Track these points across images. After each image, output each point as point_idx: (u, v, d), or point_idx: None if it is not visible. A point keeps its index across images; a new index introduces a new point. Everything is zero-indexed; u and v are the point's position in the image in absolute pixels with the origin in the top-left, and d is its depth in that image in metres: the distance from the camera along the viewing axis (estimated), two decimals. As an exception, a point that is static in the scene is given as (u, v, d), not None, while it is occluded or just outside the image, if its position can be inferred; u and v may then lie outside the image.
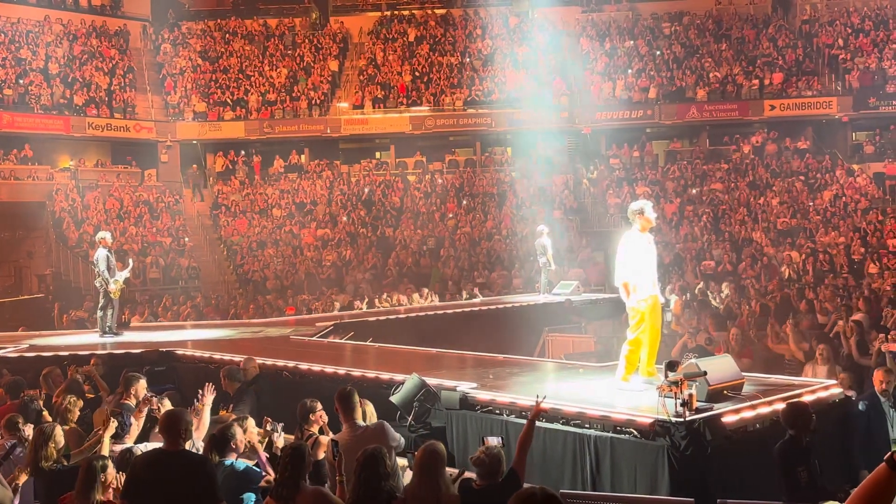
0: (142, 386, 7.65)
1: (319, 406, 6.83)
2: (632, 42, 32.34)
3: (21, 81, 29.04)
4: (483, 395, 7.96)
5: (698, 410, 6.59)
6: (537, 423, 7.17)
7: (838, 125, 29.22)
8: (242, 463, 5.78)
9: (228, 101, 31.85)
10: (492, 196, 27.76)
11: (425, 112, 31.20)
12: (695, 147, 30.51)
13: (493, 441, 5.40)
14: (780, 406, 6.87)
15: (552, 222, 24.45)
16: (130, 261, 14.36)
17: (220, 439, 5.67)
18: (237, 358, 9.95)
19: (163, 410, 6.40)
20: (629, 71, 30.86)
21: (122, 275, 13.27)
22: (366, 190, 29.27)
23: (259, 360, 10.36)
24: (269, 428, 6.58)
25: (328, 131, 31.47)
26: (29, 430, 6.51)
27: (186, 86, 32.27)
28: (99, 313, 13.35)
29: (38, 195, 27.26)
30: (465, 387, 8.18)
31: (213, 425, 6.46)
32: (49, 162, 29.11)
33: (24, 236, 27.66)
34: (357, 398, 6.31)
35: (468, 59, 32.61)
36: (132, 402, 7.27)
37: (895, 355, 9.69)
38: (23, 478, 5.81)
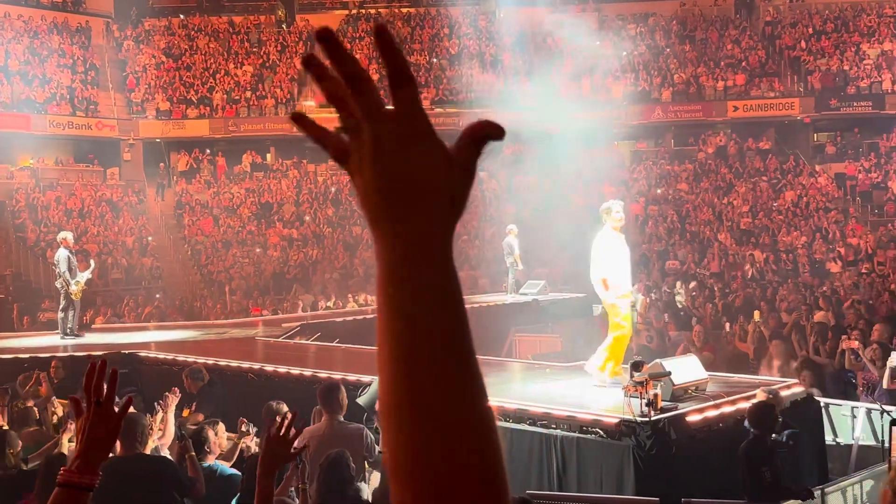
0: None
1: (285, 408, 6.77)
2: (598, 43, 32.49)
3: (-21, 78, 28.51)
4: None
5: (663, 410, 6.65)
6: (505, 424, 7.20)
7: (800, 126, 29.65)
8: (227, 468, 5.72)
9: (192, 99, 31.50)
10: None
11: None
12: (660, 147, 30.77)
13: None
14: (744, 405, 6.96)
15: (520, 222, 24.55)
16: (92, 262, 14.15)
17: (195, 443, 5.62)
18: (202, 360, 9.84)
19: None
20: (595, 72, 31.02)
21: (84, 276, 13.06)
22: (333, 189, 29.14)
23: (224, 362, 10.28)
24: (243, 429, 6.53)
25: (294, 130, 30.99)
26: None
27: (150, 83, 31.86)
28: (60, 315, 13.14)
29: (-3, 194, 26.77)
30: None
31: (179, 427, 6.39)
32: (9, 160, 28.56)
33: (-18, 236, 27.11)
34: (343, 395, 6.22)
35: (436, 59, 32.59)
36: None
37: (856, 354, 9.84)
38: None
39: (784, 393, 7.82)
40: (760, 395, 6.56)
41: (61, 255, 12.90)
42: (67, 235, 13.33)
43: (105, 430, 1.94)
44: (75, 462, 1.92)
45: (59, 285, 12.97)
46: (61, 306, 13.02)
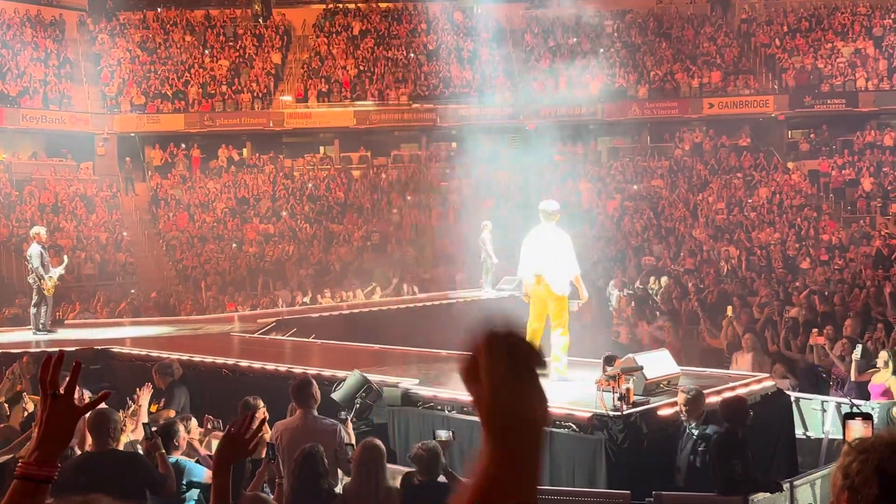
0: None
1: (261, 404, 6.76)
2: (575, 40, 32.65)
3: (-50, 70, 28.11)
4: (425, 392, 7.98)
5: (635, 404, 6.72)
6: (476, 418, 7.23)
7: (775, 123, 29.95)
8: (186, 460, 5.70)
9: (167, 93, 31.25)
10: (437, 191, 27.78)
11: (370, 106, 31.06)
12: (636, 144, 30.96)
13: (443, 435, 5.42)
14: (716, 399, 7.03)
15: (497, 218, 24.60)
16: (66, 257, 14.04)
17: (163, 437, 5.60)
18: (175, 355, 9.78)
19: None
20: (572, 69, 31.16)
21: (57, 271, 12.98)
22: (309, 185, 29.04)
23: (198, 358, 10.23)
24: (210, 426, 6.50)
25: (271, 125, 31.11)
26: None
27: (124, 77, 31.55)
28: (32, 310, 13.02)
29: (-32, 188, 26.43)
30: (408, 383, 8.19)
31: (148, 423, 6.36)
32: (-20, 154, 28.24)
33: (-48, 231, 26.74)
34: (315, 390, 6.20)
35: (413, 54, 32.55)
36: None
37: (824, 350, 9.97)
38: None
39: (755, 387, 7.93)
40: (681, 397, 6.57)
41: (34, 250, 12.80)
42: (41, 230, 13.22)
43: (63, 423, 1.93)
44: (33, 454, 1.91)
45: (31, 280, 12.86)
46: (34, 301, 12.91)
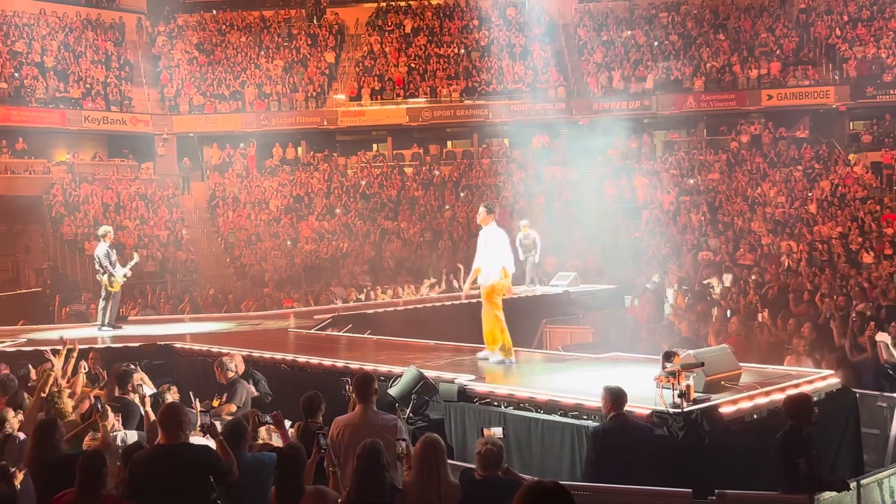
0: (138, 378, 7.74)
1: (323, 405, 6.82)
2: (629, 32, 32.27)
3: (17, 75, 28.93)
4: (481, 387, 7.97)
5: (696, 401, 6.61)
6: (535, 416, 7.21)
7: (835, 115, 29.21)
8: (268, 454, 5.79)
9: (225, 93, 31.77)
10: (489, 187, 27.74)
11: (422, 104, 31.15)
12: (692, 137, 30.49)
13: (496, 431, 5.41)
14: (778, 396, 6.89)
15: (550, 214, 24.50)
16: (136, 255, 14.42)
17: (237, 433, 5.74)
18: (236, 351, 9.94)
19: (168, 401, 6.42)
20: (626, 62, 30.81)
21: (124, 270, 13.35)
22: (363, 182, 29.24)
23: (257, 354, 10.39)
24: (257, 420, 6.60)
25: (325, 123, 31.41)
26: (16, 424, 6.51)
27: (182, 78, 32.18)
28: (101, 304, 13.43)
29: (34, 189, 27.19)
30: (464, 379, 8.19)
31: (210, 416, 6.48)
32: (45, 156, 29.04)
33: (20, 230, 27.61)
34: (376, 385, 6.25)
35: (465, 50, 32.54)
36: (132, 396, 7.30)
37: (887, 346, 9.70)
38: (20, 477, 5.77)
39: (819, 384, 7.74)
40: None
41: (101, 249, 13.21)
42: (109, 230, 13.71)
43: None
44: None
45: (100, 278, 13.26)
46: (102, 296, 13.30)
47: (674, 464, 6.32)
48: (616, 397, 6.38)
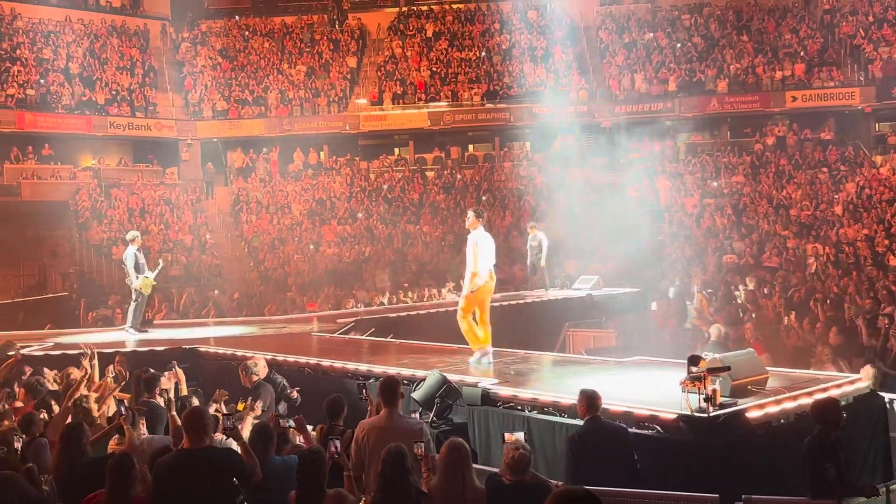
0: (165, 382, 7.81)
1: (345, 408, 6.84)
2: (651, 35, 32.13)
3: (43, 81, 29.28)
4: (505, 391, 7.95)
5: (722, 406, 6.55)
6: (559, 420, 7.18)
7: (861, 116, 28.90)
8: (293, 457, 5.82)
9: (248, 98, 31.98)
10: (511, 191, 27.69)
11: (444, 107, 31.18)
12: (716, 139, 30.29)
13: (517, 437, 5.39)
14: (806, 401, 6.82)
15: (572, 216, 24.39)
16: (161, 261, 14.56)
17: (263, 436, 5.79)
18: (259, 355, 9.98)
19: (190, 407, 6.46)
20: (648, 64, 30.67)
21: (152, 274, 13.50)
22: (385, 186, 29.30)
23: (281, 357, 10.43)
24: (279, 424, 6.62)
25: (347, 128, 31.53)
26: (41, 427, 6.58)
27: (206, 84, 32.43)
28: (132, 306, 13.58)
29: (61, 194, 27.46)
30: (487, 383, 8.18)
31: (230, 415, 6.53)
32: (71, 161, 29.36)
33: (47, 235, 27.85)
34: (401, 389, 6.27)
35: (486, 54, 32.54)
36: (159, 400, 7.36)
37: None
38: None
39: (847, 388, 7.65)
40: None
41: (129, 252, 13.37)
42: (137, 235, 13.90)
43: None
44: None
45: (129, 282, 13.42)
46: (133, 298, 13.46)
47: (700, 469, 6.27)
48: (591, 400, 6.47)
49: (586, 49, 32.34)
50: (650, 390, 7.57)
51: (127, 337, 13.10)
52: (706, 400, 6.37)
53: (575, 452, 6.37)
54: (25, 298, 24.30)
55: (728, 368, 6.78)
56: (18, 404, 7.83)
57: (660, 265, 20.73)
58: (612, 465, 6.24)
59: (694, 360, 6.64)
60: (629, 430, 6.57)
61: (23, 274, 27.03)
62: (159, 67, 33.13)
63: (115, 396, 7.45)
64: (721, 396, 6.58)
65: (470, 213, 9.59)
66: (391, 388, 5.97)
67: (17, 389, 8.49)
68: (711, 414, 6.38)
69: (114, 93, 30.38)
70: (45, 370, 9.23)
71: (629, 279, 18.67)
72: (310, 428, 6.54)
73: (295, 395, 8.80)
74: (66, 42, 31.14)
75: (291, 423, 6.41)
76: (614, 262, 21.03)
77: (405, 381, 8.64)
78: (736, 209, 24.29)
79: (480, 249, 9.28)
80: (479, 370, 9.20)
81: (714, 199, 25.29)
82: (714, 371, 6.58)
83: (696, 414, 6.39)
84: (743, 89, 29.48)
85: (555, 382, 8.64)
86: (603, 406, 6.98)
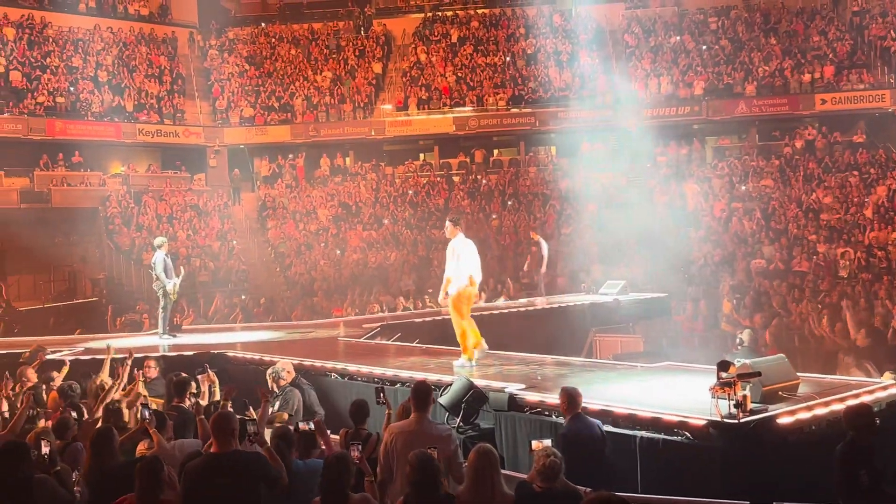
0: (200, 384, 7.93)
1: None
2: (678, 38, 31.95)
3: (73, 89, 29.68)
4: (532, 397, 7.92)
5: (752, 412, 6.48)
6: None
7: (891, 118, 28.51)
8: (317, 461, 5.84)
9: (275, 105, 32.21)
10: (536, 195, 27.63)
11: (469, 112, 31.21)
12: (744, 143, 30.03)
13: (547, 443, 5.36)
14: (838, 407, 6.73)
15: (599, 220, 24.29)
16: (182, 269, 14.70)
17: (285, 440, 5.85)
18: (286, 360, 10.04)
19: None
20: (675, 67, 30.49)
21: (177, 280, 13.65)
22: (410, 191, 29.36)
23: (308, 362, 10.48)
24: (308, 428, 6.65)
25: (372, 133, 31.66)
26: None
27: (233, 91, 32.71)
28: (161, 313, 13.73)
29: (91, 201, 27.83)
30: (514, 388, 8.15)
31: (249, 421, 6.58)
32: (101, 168, 29.71)
33: (77, 241, 28.24)
34: (433, 395, 6.28)
35: (511, 59, 32.52)
36: (187, 404, 7.42)
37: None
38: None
39: (880, 394, 7.54)
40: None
41: (157, 257, 13.59)
42: (164, 240, 14.17)
43: None
44: None
45: (155, 287, 13.59)
46: (161, 305, 13.60)
47: (731, 476, 6.20)
48: (573, 398, 6.74)
49: (612, 53, 32.23)
50: (679, 396, 7.50)
51: (160, 342, 13.24)
52: (736, 406, 6.31)
53: (569, 453, 6.35)
54: (56, 304, 24.64)
55: (758, 374, 6.71)
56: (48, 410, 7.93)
57: (687, 270, 20.57)
58: (593, 462, 6.39)
59: (724, 366, 6.58)
60: (639, 435, 6.67)
61: (53, 280, 27.37)
62: (187, 75, 33.48)
63: (141, 402, 7.53)
64: (751, 402, 6.51)
65: (447, 223, 9.94)
66: (423, 394, 5.98)
67: (44, 395, 8.59)
68: (742, 420, 6.31)
69: (142, 100, 30.73)
70: (53, 374, 9.29)
71: (656, 284, 18.54)
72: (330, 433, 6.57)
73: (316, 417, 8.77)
74: (96, 50, 31.55)
75: (311, 425, 6.42)
76: (641, 266, 20.91)
77: (432, 387, 8.64)
78: (765, 213, 24.04)
79: (458, 257, 9.62)
80: (463, 372, 9.43)
81: (742, 203, 25.05)
82: (744, 376, 6.51)
83: (726, 420, 6.33)
84: (771, 92, 29.21)
85: (582, 388, 8.57)
86: (632, 412, 6.95)
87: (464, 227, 9.98)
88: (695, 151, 29.18)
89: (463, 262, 9.61)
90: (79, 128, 29.03)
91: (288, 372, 8.97)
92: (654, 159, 28.59)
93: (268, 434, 6.35)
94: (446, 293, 9.81)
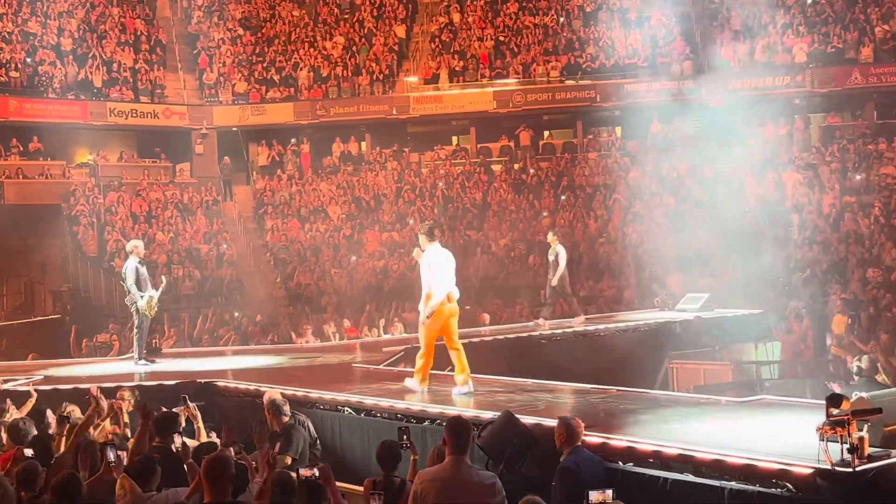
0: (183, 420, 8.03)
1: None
2: (774, -9, 31.74)
3: (30, 60, 30.04)
4: (591, 439, 7.87)
5: (871, 458, 6.41)
6: (659, 473, 7.11)
7: None
8: None
9: (274, 78, 32.46)
10: (597, 188, 27.57)
11: (513, 85, 31.23)
12: (858, 121, 29.75)
13: (608, 494, 5.33)
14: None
15: (676, 218, 24.17)
16: (164, 278, 14.84)
17: (288, 489, 5.95)
18: (289, 391, 10.09)
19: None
20: (772, 27, 30.25)
21: (155, 293, 13.70)
22: (440, 183, 29.43)
23: (316, 394, 10.52)
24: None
25: (394, 112, 31.79)
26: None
27: (224, 61, 33.02)
28: (136, 333, 13.79)
29: (51, 196, 28.15)
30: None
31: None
32: (64, 156, 30.09)
33: (35, 245, 28.51)
34: (473, 433, 6.30)
35: (565, 19, 32.49)
36: (174, 446, 7.50)
37: None
38: None
39: None
40: None
41: (129, 265, 13.59)
42: (139, 244, 14.16)
43: None
44: None
45: (127, 302, 13.64)
46: (135, 324, 13.67)
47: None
48: (572, 429, 7.15)
49: (692, 10, 32.03)
50: (778, 438, 7.44)
51: (136, 369, 13.35)
52: (851, 450, 6.25)
53: (569, 486, 6.71)
54: (9, 322, 24.96)
55: (879, 411, 6.63)
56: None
57: (788, 280, 20.41)
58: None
59: (835, 401, 6.51)
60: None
61: (6, 293, 27.78)
62: (168, 42, 33.88)
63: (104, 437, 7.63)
64: (869, 446, 6.44)
65: (420, 237, 10.49)
66: (461, 432, 5.98)
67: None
68: (858, 469, 6.25)
69: (114, 74, 31.10)
70: (49, 412, 9.43)
71: (749, 298, 18.41)
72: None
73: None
74: (57, 13, 31.95)
75: (316, 472, 6.45)
76: (729, 276, 20.80)
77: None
78: (886, 209, 23.80)
79: (434, 271, 10.13)
80: (462, 402, 9.80)
81: (857, 196, 24.84)
82: (861, 414, 6.44)
83: (837, 468, 6.26)
84: (893, 58, 28.91)
85: (656, 427, 8.54)
86: (718, 457, 6.90)
87: (440, 237, 10.51)
88: (796, 132, 28.96)
89: (439, 277, 10.11)
90: (37, 107, 29.46)
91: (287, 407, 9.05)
92: (745, 142, 28.39)
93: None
94: (427, 315, 10.25)
